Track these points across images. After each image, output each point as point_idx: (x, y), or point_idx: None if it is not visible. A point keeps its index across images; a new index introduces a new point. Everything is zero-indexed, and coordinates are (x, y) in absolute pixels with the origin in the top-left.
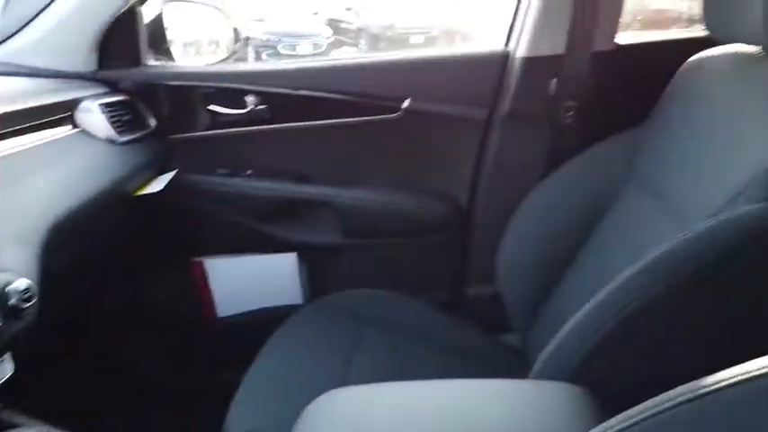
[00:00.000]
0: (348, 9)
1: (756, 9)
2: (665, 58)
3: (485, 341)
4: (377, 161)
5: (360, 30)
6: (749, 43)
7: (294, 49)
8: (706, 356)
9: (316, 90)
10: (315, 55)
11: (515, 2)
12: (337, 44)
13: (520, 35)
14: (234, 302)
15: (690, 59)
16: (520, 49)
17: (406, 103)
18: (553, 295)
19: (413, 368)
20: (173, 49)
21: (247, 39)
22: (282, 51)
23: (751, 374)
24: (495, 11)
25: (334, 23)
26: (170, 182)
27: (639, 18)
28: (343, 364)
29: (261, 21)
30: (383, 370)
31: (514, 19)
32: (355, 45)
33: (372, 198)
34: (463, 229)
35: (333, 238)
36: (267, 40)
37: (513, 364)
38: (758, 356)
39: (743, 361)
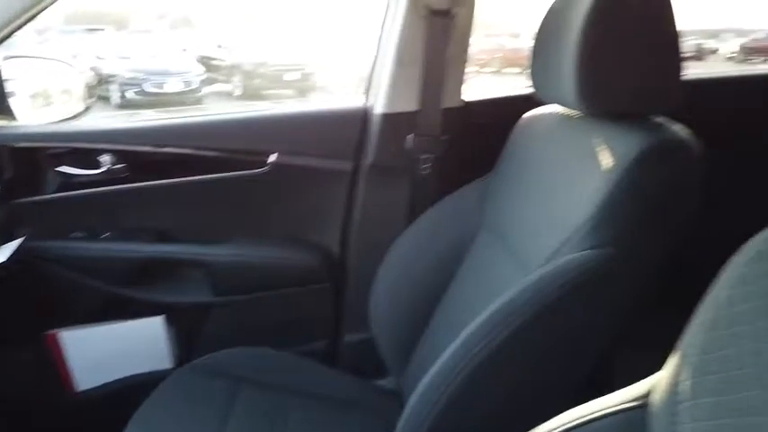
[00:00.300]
0: (219, 46)
1: (570, 78)
2: (508, 113)
3: (364, 389)
4: (246, 216)
5: (233, 67)
6: (566, 107)
7: (162, 87)
8: (545, 401)
9: (180, 147)
10: (186, 92)
11: (372, 59)
12: (209, 81)
13: (377, 92)
14: (95, 374)
15: (523, 116)
16: (378, 106)
17: (272, 158)
18: (422, 339)
19: (292, 426)
20: (16, 107)
21: (106, 79)
22: (149, 89)
23: (583, 419)
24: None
25: (205, 61)
26: (16, 250)
27: (498, 56)
28: None
29: (126, 58)
30: None
31: (371, 75)
32: (228, 82)
33: (241, 253)
34: (336, 279)
35: (201, 296)
36: (132, 78)
37: (393, 410)
38: (589, 399)
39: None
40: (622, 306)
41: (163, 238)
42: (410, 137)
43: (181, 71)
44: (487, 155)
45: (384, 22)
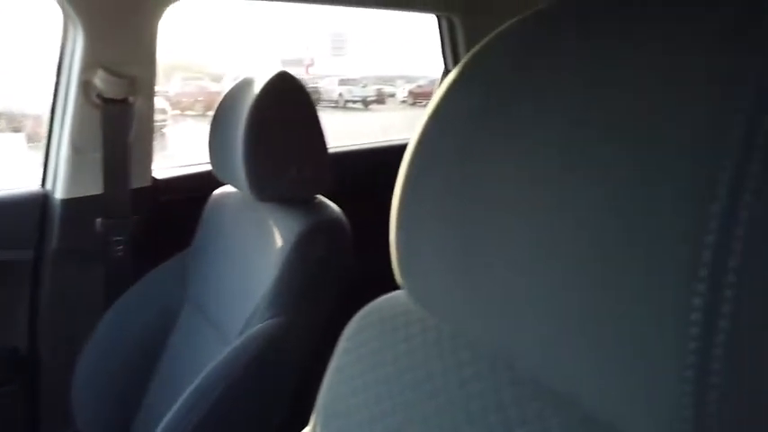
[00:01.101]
0: None
1: (240, 168)
2: (200, 188)
3: None
4: None
5: None
6: (241, 191)
7: None
8: None
9: None
10: None
11: (45, 142)
12: None
13: (56, 175)
14: None
15: (214, 193)
16: (58, 191)
17: None
18: (136, 421)
19: None
20: None
21: None
22: None
23: None
24: None
25: None
26: None
27: (201, 99)
28: None
29: None
30: None
31: (47, 159)
32: None
33: None
34: (28, 377)
35: None
36: None
37: None
38: None
39: None
40: (298, 364)
41: None
42: (99, 220)
43: None
44: (186, 229)
45: (54, 108)
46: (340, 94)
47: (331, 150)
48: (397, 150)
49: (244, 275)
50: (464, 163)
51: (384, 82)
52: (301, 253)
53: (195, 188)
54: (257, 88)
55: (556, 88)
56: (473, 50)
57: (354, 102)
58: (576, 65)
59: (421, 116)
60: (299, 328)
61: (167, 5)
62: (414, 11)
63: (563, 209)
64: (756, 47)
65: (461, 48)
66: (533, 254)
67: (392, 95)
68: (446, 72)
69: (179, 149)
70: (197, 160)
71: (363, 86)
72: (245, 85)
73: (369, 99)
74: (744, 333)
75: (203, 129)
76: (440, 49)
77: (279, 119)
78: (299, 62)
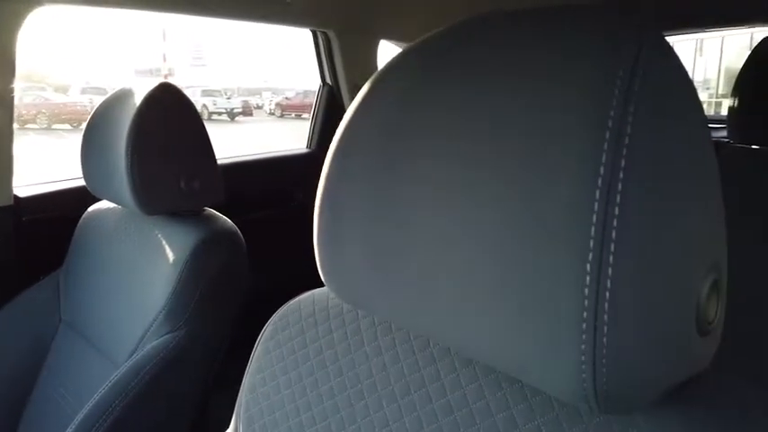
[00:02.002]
0: None
1: (125, 183)
2: (68, 205)
3: None
4: None
5: None
6: (126, 207)
7: None
8: None
9: None
10: None
11: None
12: None
13: None
14: None
15: (89, 210)
16: None
17: None
18: None
19: None
20: None
21: None
22: None
23: None
24: None
25: None
26: None
27: (44, 111)
28: None
29: None
30: None
31: None
32: None
33: None
34: None
35: None
36: None
37: None
38: None
39: None
40: (204, 374)
41: None
42: None
43: None
44: (55, 250)
45: None
46: (204, 106)
47: (220, 161)
48: (286, 160)
49: (131, 294)
50: (378, 165)
51: (250, 94)
52: (197, 265)
53: (63, 206)
54: (138, 99)
55: (453, 102)
56: (382, 68)
57: (220, 114)
58: (471, 69)
59: (293, 128)
60: (200, 340)
61: (27, 14)
62: (289, 25)
63: (470, 195)
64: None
65: (338, 62)
66: (446, 236)
67: (259, 107)
68: (324, 85)
69: (25, 169)
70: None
71: (228, 98)
72: (122, 96)
73: (235, 111)
74: (626, 290)
75: (50, 143)
76: (317, 64)
77: (163, 129)
78: (155, 72)
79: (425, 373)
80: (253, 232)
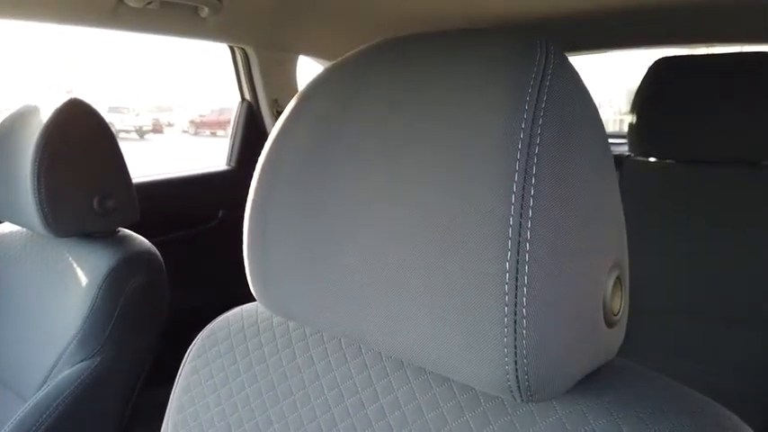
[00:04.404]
0: None
1: (32, 206)
2: None
3: None
4: None
5: None
6: (33, 230)
7: None
8: None
9: None
10: None
11: None
12: None
13: None
14: None
15: None
16: None
17: None
18: None
19: None
20: None
21: None
22: None
23: None
24: None
25: None
26: None
27: None
28: None
29: None
30: None
31: None
32: None
33: None
34: None
35: None
36: None
37: None
38: None
39: None
40: (123, 403)
41: None
42: None
43: None
44: None
45: None
46: (110, 123)
47: (136, 180)
48: (206, 178)
49: (40, 321)
50: (305, 179)
51: (160, 111)
52: (112, 288)
53: None
54: (45, 116)
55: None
56: (306, 86)
57: (128, 132)
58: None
59: (207, 145)
60: (118, 367)
61: None
62: (206, 40)
63: (393, 205)
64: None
65: (257, 78)
66: (371, 245)
67: (171, 125)
68: (243, 101)
69: None
70: None
71: (137, 115)
72: (26, 113)
73: (144, 128)
74: (541, 289)
75: None
76: (235, 79)
77: (73, 147)
78: (55, 87)
79: (358, 380)
80: (173, 252)
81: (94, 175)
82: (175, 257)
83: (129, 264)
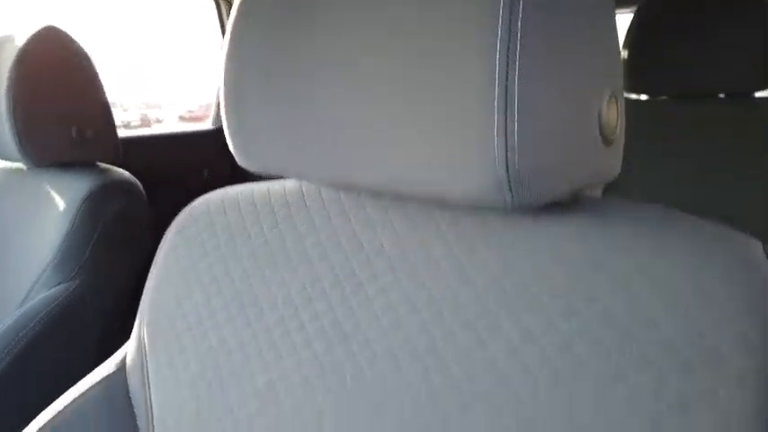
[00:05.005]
0: None
1: (8, 135)
2: None
3: None
4: None
5: None
6: (9, 161)
7: None
8: None
9: None
10: None
11: None
12: None
13: None
14: None
15: None
16: None
17: None
18: None
19: None
20: None
21: None
22: None
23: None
24: None
25: None
26: None
27: None
28: None
29: None
30: None
31: None
32: None
33: None
34: None
35: None
36: None
37: None
38: None
39: None
40: (108, 319)
41: None
42: None
43: None
44: None
45: None
46: None
47: (132, 134)
48: (191, 137)
49: (17, 247)
50: (284, 18)
51: (148, 107)
52: (91, 211)
53: None
54: (19, 44)
55: None
56: None
57: (116, 127)
58: None
59: None
60: (99, 288)
61: None
62: None
63: (378, 28)
64: None
65: None
66: (357, 72)
67: (159, 121)
68: None
69: None
70: None
71: (125, 110)
72: (1, 42)
73: (132, 124)
74: (534, 84)
75: None
76: (220, 33)
77: (48, 75)
78: None
79: (362, 235)
80: (159, 210)
81: (72, 103)
82: (160, 215)
83: (109, 190)
